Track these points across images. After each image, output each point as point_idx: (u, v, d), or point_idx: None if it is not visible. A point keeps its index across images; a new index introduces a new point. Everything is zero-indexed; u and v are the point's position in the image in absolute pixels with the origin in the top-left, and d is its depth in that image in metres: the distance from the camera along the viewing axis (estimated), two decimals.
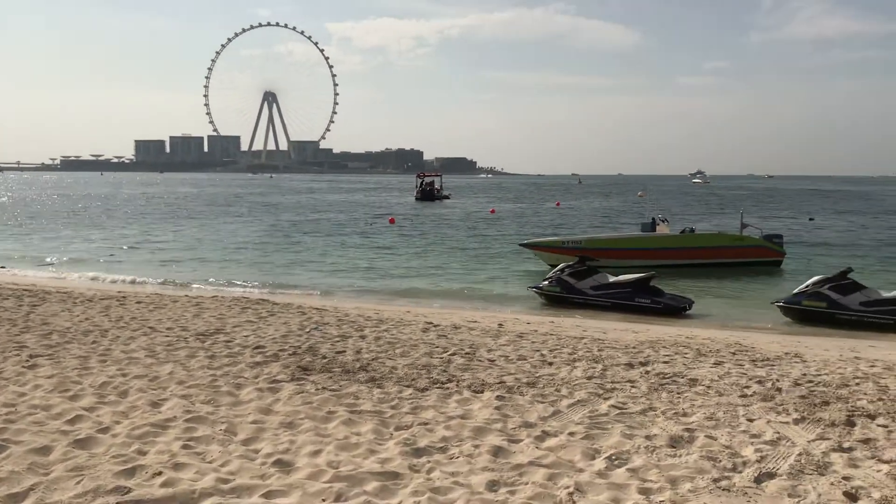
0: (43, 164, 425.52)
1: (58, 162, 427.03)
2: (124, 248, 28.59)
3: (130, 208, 57.95)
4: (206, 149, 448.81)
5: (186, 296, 14.62)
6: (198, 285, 18.51)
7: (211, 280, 19.63)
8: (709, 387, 7.55)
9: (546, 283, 16.47)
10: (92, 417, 6.13)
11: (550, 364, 8.59)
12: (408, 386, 7.34)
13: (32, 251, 26.88)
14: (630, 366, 8.57)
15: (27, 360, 8.14)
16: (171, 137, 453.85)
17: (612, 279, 15.66)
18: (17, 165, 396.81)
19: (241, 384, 7.31)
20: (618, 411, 6.54)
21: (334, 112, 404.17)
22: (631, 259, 21.08)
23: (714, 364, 8.83)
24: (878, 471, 5.11)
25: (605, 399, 6.95)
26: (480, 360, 8.70)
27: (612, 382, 7.68)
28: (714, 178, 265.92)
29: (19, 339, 9.34)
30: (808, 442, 5.73)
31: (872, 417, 6.40)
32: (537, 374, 7.98)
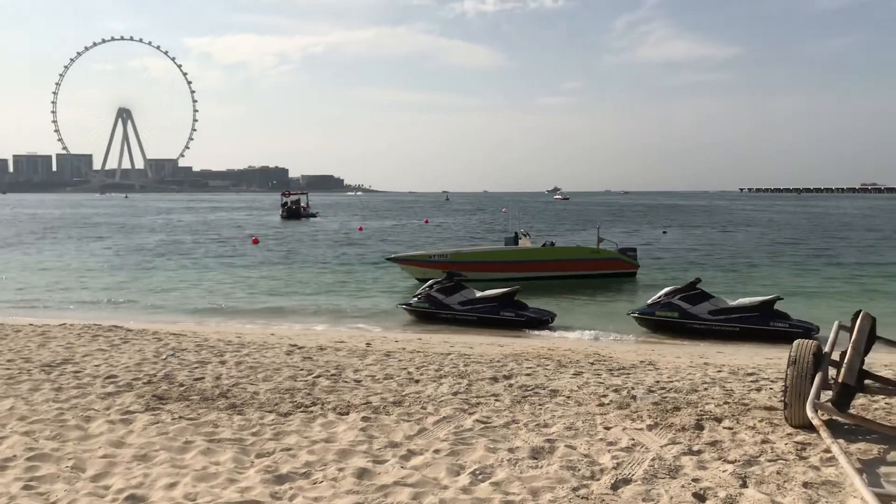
0: None
1: None
2: None
3: None
4: (54, 168, 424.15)
5: (31, 324, 13.68)
6: (48, 312, 17.37)
7: (57, 307, 18.48)
8: (569, 397, 7.78)
9: (415, 299, 16.56)
10: None
11: (417, 382, 8.60)
12: (270, 411, 7.14)
13: None
14: (494, 380, 8.71)
15: None
16: (14, 156, 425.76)
17: (478, 294, 15.93)
18: None
19: (91, 416, 6.89)
20: (482, 426, 6.62)
21: (193, 129, 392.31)
22: (495, 272, 21.57)
23: (574, 374, 9.11)
24: (724, 471, 5.41)
25: (471, 414, 7.03)
26: (346, 381, 8.59)
27: (476, 397, 7.77)
28: (573, 194, 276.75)
29: None
30: (661, 447, 6.00)
31: (719, 420, 6.78)
32: (404, 393, 7.97)
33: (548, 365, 9.81)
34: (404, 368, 9.45)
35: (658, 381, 8.67)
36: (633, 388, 8.21)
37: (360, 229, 55.30)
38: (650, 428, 6.56)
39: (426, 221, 70.91)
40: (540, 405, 7.42)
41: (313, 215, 74.44)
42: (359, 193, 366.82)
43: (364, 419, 6.82)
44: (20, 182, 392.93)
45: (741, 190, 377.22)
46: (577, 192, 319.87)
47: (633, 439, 6.21)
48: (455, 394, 7.93)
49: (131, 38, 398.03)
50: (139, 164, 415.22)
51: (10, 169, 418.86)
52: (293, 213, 72.49)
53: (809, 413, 5.78)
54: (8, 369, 9.14)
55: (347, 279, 25.00)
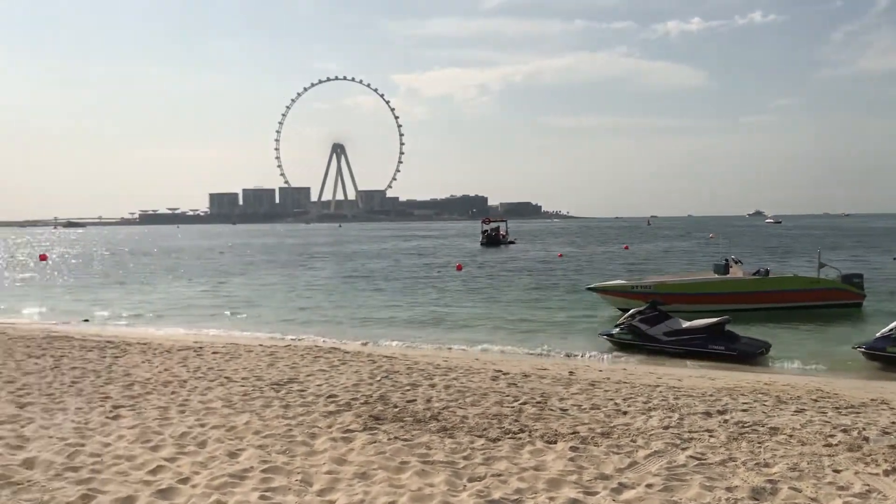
0: (122, 218, 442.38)
1: (136, 216, 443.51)
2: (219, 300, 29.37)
3: (205, 262, 59.63)
4: (277, 200, 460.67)
5: (261, 345, 14.91)
6: (271, 334, 18.84)
7: (281, 329, 19.97)
8: (791, 436, 7.31)
9: (617, 329, 16.24)
10: (172, 468, 6.29)
11: (625, 413, 8.44)
12: (479, 436, 7.31)
13: (120, 303, 27.87)
14: (707, 414, 8.36)
15: (111, 411, 8.41)
16: (243, 190, 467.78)
17: (685, 324, 15.34)
18: (98, 220, 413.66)
19: (316, 434, 7.40)
20: (696, 462, 6.38)
21: (400, 161, 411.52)
22: (702, 304, 20.61)
23: (795, 412, 8.55)
24: None
25: (683, 449, 6.80)
26: (552, 410, 8.61)
27: (689, 432, 7.50)
28: (785, 217, 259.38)
29: (103, 390, 9.66)
30: None
31: None
32: (612, 424, 7.85)
33: (765, 400, 9.27)
34: (611, 399, 9.30)
35: (895, 423, 7.92)
36: (864, 429, 7.56)
37: (559, 256, 55.15)
38: (887, 473, 6.02)
39: (626, 248, 69.43)
40: (759, 443, 7.03)
41: (512, 242, 75.18)
42: (555, 220, 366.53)
43: (572, 449, 6.79)
44: (248, 213, 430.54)
45: None
46: (788, 216, 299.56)
47: (868, 485, 5.72)
48: (666, 427, 7.70)
49: (345, 78, 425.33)
50: (351, 196, 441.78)
51: (240, 202, 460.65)
52: (492, 240, 73.65)
53: None
54: (243, 386, 10.04)
55: (547, 306, 24.99)
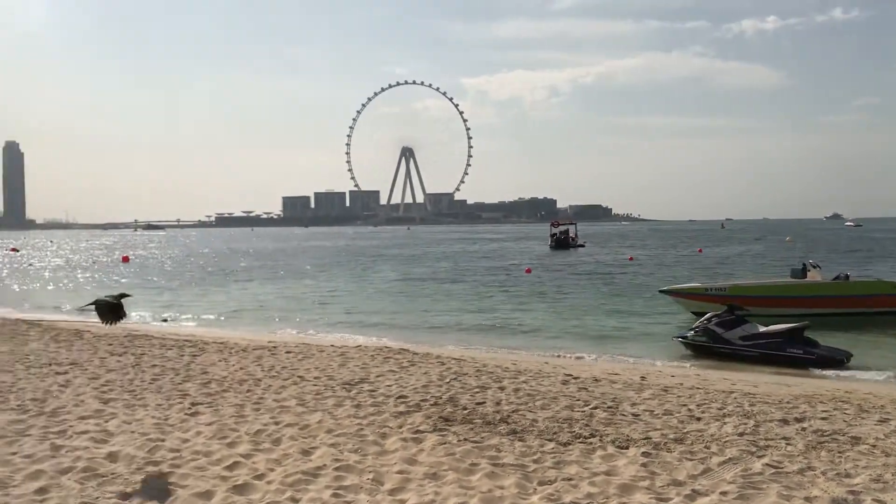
0: (199, 221, 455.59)
1: (213, 219, 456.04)
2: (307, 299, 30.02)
3: (281, 261, 60.87)
4: (347, 203, 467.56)
5: (332, 346, 15.15)
6: (342, 334, 19.13)
7: (351, 330, 20.25)
8: (874, 446, 7.06)
9: (692, 332, 15.94)
10: (248, 464, 6.45)
11: (698, 419, 8.29)
12: (549, 439, 7.28)
13: (201, 303, 28.71)
14: (784, 422, 8.14)
15: (189, 408, 8.68)
16: (315, 193, 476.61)
17: (762, 329, 14.96)
18: (177, 223, 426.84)
19: (387, 433, 7.48)
20: (773, 470, 6.22)
21: (468, 164, 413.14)
22: (780, 307, 20.06)
23: (879, 421, 8.25)
24: None
25: (759, 457, 6.63)
26: (624, 415, 8.51)
27: (765, 439, 7.32)
28: (866, 220, 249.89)
29: (182, 388, 9.97)
30: None
31: None
32: (685, 430, 7.72)
33: (846, 409, 8.97)
34: (684, 405, 9.14)
35: None
36: None
37: (630, 259, 54.40)
38: None
39: (699, 251, 67.97)
40: (839, 453, 6.81)
41: (581, 245, 74.48)
42: (623, 223, 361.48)
43: (644, 454, 6.71)
44: (319, 216, 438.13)
45: None
46: (869, 219, 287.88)
47: None
48: (741, 434, 7.53)
49: (414, 82, 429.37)
50: (419, 199, 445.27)
51: (312, 205, 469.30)
52: (561, 243, 73.06)
53: None
54: (315, 385, 10.22)
55: (618, 310, 24.70)
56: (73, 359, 12.37)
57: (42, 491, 5.68)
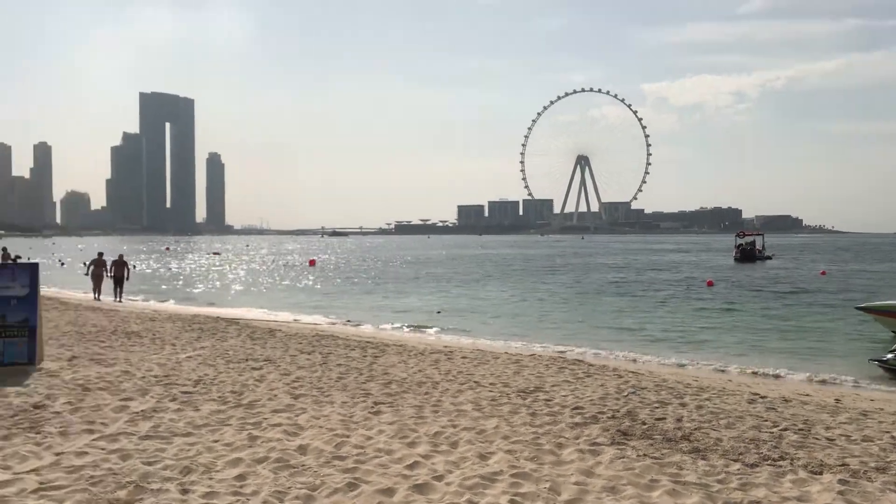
0: (380, 228, 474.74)
1: (392, 227, 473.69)
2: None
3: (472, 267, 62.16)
4: (520, 212, 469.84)
5: (506, 353, 15.26)
6: (516, 343, 19.20)
7: (527, 338, 20.28)
8: None
9: (891, 355, 14.65)
10: (427, 465, 6.62)
11: None
12: (735, 460, 6.93)
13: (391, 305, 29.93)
14: None
15: (372, 407, 9.04)
16: (489, 202, 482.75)
17: None
18: (359, 230, 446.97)
19: (563, 444, 7.43)
20: None
21: (646, 172, 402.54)
22: None
23: None
24: None
25: None
26: (817, 438, 7.95)
27: None
28: None
29: (365, 387, 10.41)
30: None
31: None
32: (888, 459, 7.09)
33: None
34: (886, 431, 8.40)
35: None
36: None
37: (822, 273, 50.79)
38: None
39: None
40: None
41: (769, 257, 70.38)
42: (817, 235, 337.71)
43: (841, 482, 6.23)
44: (492, 225, 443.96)
45: None
46: None
47: None
48: None
49: (591, 90, 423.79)
50: (594, 207, 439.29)
51: (486, 213, 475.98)
52: (747, 255, 69.36)
53: None
54: (491, 392, 10.33)
55: (809, 327, 23.13)
56: (266, 355, 13.26)
57: (240, 477, 6.12)
